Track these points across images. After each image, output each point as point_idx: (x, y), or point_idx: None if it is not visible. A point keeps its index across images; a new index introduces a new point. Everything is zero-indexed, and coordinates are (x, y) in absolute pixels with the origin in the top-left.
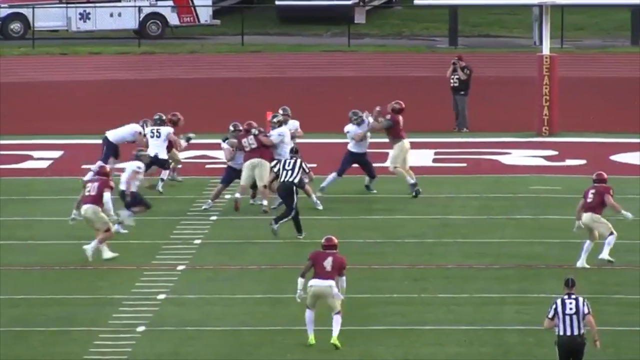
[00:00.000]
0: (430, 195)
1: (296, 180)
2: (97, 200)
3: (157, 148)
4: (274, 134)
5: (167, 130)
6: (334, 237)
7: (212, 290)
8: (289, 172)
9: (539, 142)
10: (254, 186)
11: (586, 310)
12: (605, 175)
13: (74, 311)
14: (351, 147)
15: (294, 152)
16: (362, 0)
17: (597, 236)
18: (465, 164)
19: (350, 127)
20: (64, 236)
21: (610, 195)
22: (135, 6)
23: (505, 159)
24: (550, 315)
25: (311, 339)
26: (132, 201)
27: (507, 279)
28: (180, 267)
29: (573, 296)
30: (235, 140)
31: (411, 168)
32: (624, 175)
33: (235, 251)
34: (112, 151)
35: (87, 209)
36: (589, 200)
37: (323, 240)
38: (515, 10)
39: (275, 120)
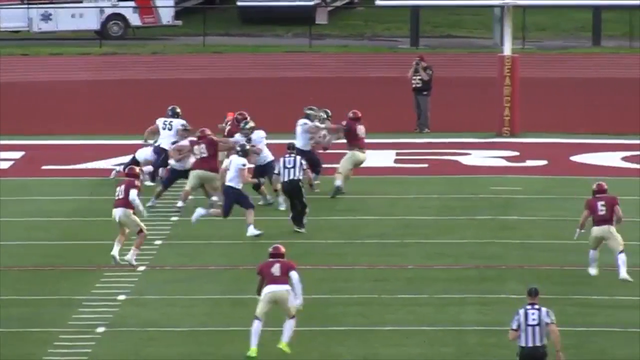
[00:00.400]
0: (392, 196)
1: (300, 177)
2: (127, 202)
3: (167, 140)
4: (256, 138)
5: (178, 122)
6: (281, 247)
7: (172, 291)
8: (291, 170)
9: (500, 142)
10: (257, 187)
11: (549, 320)
12: (606, 186)
13: (33, 312)
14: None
15: (291, 148)
16: (324, 0)
17: (598, 246)
18: (426, 165)
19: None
20: (24, 237)
21: (618, 205)
22: (97, 7)
23: (466, 160)
24: (514, 327)
25: (253, 350)
26: (241, 198)
27: (467, 280)
28: (140, 268)
29: (536, 306)
30: (186, 144)
31: (373, 169)
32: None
33: (195, 252)
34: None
35: (117, 212)
36: (601, 212)
37: (270, 249)
38: (477, 10)
39: (248, 127)
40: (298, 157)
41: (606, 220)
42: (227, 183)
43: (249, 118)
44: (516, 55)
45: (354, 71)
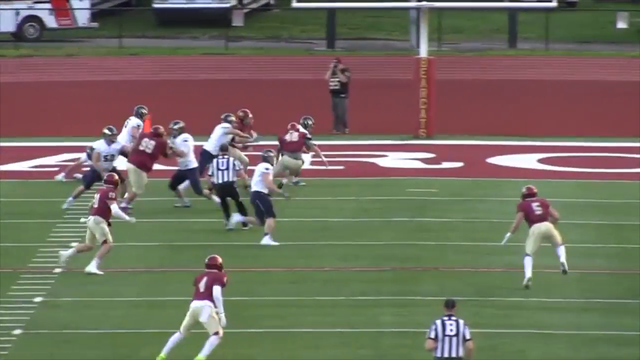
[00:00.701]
0: (308, 198)
1: (234, 179)
2: (102, 211)
3: (123, 138)
4: (179, 141)
5: (134, 121)
6: (217, 257)
7: (89, 293)
8: (225, 172)
9: (416, 144)
10: (174, 187)
11: (467, 336)
12: (536, 189)
13: None
14: (206, 146)
15: (224, 150)
16: (240, 2)
17: (537, 249)
18: (342, 167)
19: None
20: None
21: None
22: (12, 9)
23: (382, 162)
24: (432, 336)
25: (161, 357)
26: (265, 207)
27: (383, 282)
28: (57, 270)
29: (453, 317)
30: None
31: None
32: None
33: (112, 254)
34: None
35: (90, 219)
36: (538, 212)
37: (206, 259)
38: (393, 13)
39: (176, 127)
40: (231, 159)
41: (544, 217)
42: (253, 188)
43: (250, 115)
44: (432, 58)
45: (270, 74)
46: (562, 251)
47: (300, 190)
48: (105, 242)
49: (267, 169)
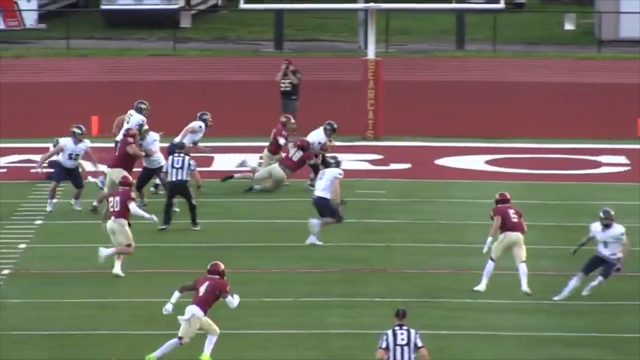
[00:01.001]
0: (256, 199)
1: (187, 178)
2: (123, 213)
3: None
4: (149, 140)
5: (137, 118)
6: (220, 263)
7: (38, 294)
8: (179, 171)
9: (364, 146)
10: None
11: (420, 343)
12: (509, 195)
13: None
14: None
15: (180, 148)
16: (188, 4)
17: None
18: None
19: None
20: None
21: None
22: None
23: None
24: (383, 346)
25: (150, 356)
26: (331, 211)
27: (332, 283)
28: (5, 272)
29: (404, 327)
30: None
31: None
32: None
33: (61, 255)
34: None
35: (110, 223)
36: (514, 220)
37: (208, 265)
38: (341, 14)
39: (145, 128)
40: (187, 158)
41: (518, 227)
42: (319, 194)
43: (292, 120)
44: (380, 59)
45: (218, 75)
46: (523, 270)
47: (248, 191)
48: (129, 245)
49: (340, 173)
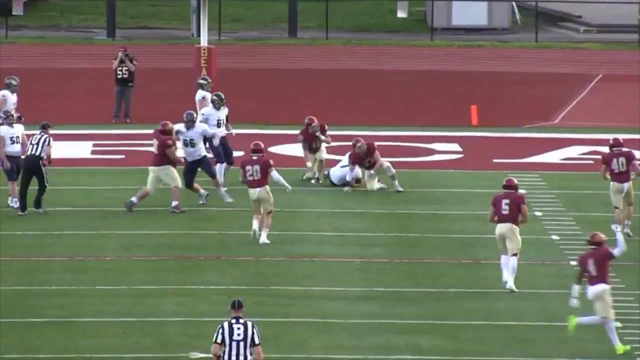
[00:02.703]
0: (88, 187)
1: (43, 154)
2: (265, 181)
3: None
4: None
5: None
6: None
7: None
8: (35, 147)
9: None
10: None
11: (257, 341)
12: (516, 181)
13: None
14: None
15: (45, 128)
16: None
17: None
18: (123, 156)
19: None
20: None
21: (525, 205)
22: None
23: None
24: (218, 340)
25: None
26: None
27: (166, 271)
28: None
29: (241, 320)
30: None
31: (69, 160)
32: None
33: None
34: None
35: (256, 191)
36: (504, 212)
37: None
38: (174, 2)
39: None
40: (45, 136)
41: (509, 218)
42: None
43: (315, 122)
44: (212, 47)
45: (51, 62)
46: (511, 265)
47: (81, 178)
48: (270, 212)
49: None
